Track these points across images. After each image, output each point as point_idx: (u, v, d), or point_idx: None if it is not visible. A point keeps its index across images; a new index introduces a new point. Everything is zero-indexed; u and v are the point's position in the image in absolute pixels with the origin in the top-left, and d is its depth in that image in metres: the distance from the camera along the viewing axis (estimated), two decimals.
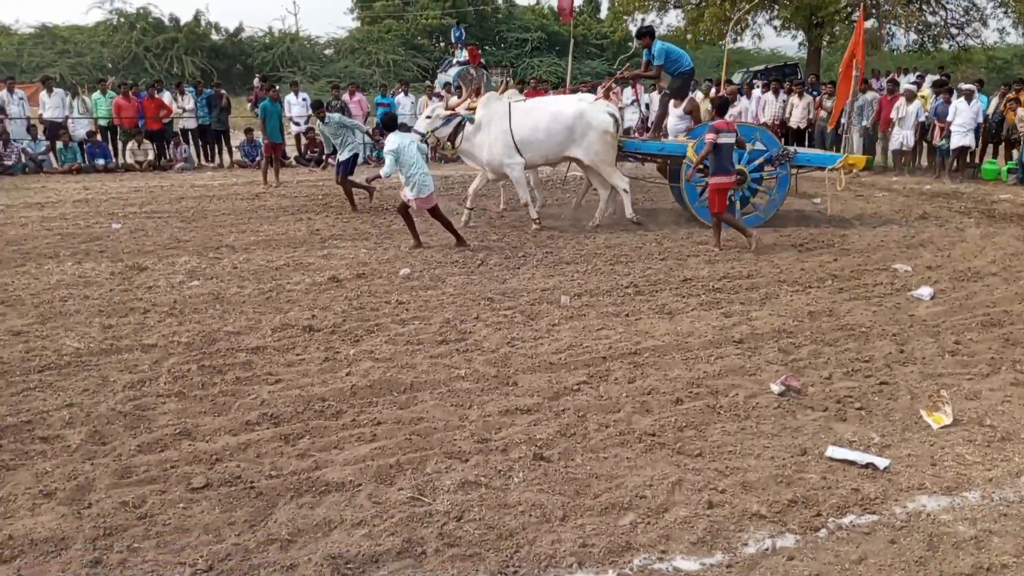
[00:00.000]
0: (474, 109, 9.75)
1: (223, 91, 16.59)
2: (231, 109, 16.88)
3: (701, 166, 8.43)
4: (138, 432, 4.11)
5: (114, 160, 15.80)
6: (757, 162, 9.57)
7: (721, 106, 8.52)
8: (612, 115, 9.56)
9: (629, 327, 5.90)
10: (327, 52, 40.70)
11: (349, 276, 7.38)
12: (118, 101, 15.77)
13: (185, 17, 37.57)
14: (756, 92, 17.61)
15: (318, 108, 11.67)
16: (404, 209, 8.58)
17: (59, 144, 15.35)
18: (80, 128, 15.92)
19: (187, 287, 6.96)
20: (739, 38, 28.86)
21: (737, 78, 26.12)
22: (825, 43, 28.07)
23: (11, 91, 15.90)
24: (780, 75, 24.62)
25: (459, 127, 9.56)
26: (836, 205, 11.09)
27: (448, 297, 6.71)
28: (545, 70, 35.83)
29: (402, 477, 3.70)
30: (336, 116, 11.59)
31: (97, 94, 16.38)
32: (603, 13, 44.85)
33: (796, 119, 16.61)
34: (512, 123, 9.31)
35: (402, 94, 18.84)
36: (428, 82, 26.70)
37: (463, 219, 9.81)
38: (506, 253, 8.39)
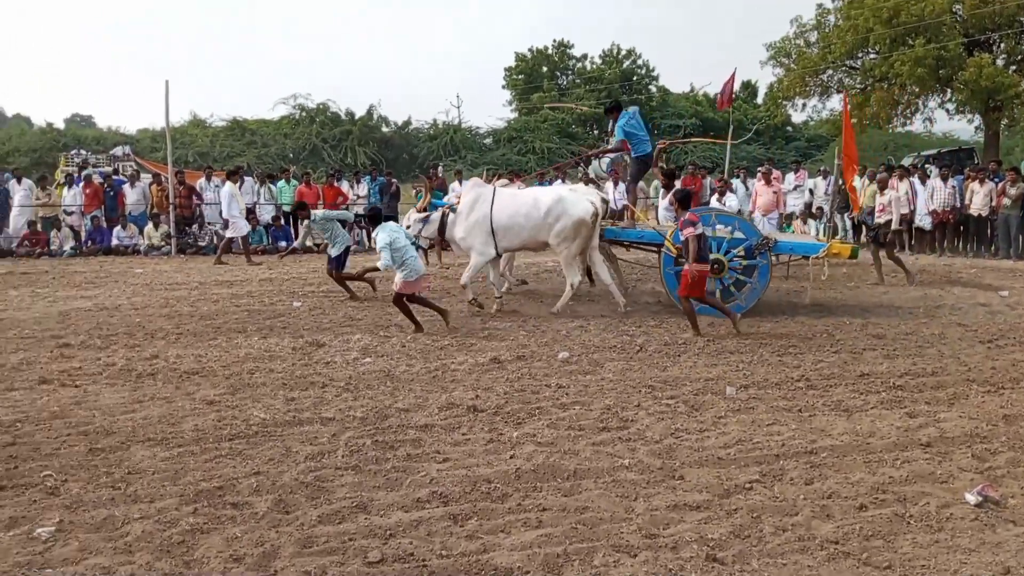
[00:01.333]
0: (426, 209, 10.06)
1: (394, 179, 17.71)
2: (400, 195, 17.95)
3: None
4: (319, 503, 4.31)
5: (295, 242, 17.04)
6: (737, 251, 9.40)
7: (683, 199, 8.71)
8: (593, 204, 9.50)
9: (803, 423, 5.63)
10: (486, 141, 42.63)
11: (510, 358, 7.52)
12: (300, 189, 17.16)
13: (359, 111, 40.67)
14: (931, 180, 16.71)
15: (302, 209, 11.59)
16: (400, 300, 8.69)
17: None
18: (266, 213, 17.39)
19: (360, 364, 7.33)
20: (909, 122, 27.72)
21: (907, 161, 24.95)
22: (1004, 127, 26.45)
23: (208, 179, 17.68)
24: (954, 160, 23.33)
25: (443, 219, 9.88)
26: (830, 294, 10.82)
27: (608, 383, 6.68)
28: (699, 155, 35.75)
29: (570, 568, 3.65)
30: (320, 212, 11.80)
31: (281, 182, 17.91)
32: (759, 98, 44.58)
33: (977, 206, 15.61)
34: (494, 210, 9.51)
35: (559, 180, 19.30)
36: (582, 168, 27.25)
37: (494, 309, 9.77)
38: (665, 339, 8.29)
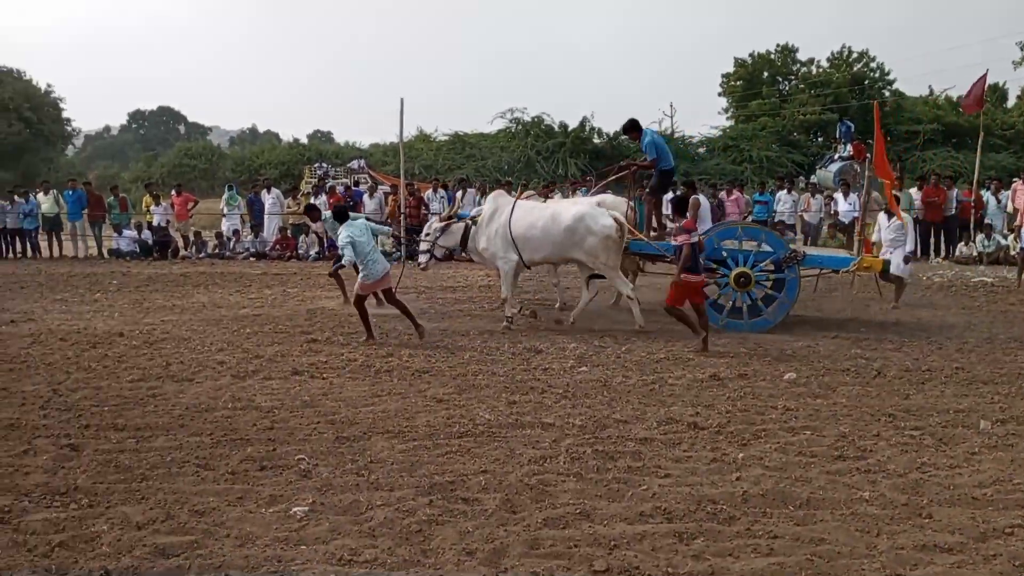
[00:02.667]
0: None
1: (610, 191, 17.79)
2: None
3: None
4: (543, 506, 4.40)
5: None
6: (763, 264, 9.15)
7: (679, 204, 8.42)
8: (616, 219, 9.35)
9: None
10: (700, 151, 41.68)
11: (730, 375, 7.28)
12: None
13: (572, 123, 41.29)
14: None
15: (311, 210, 11.36)
16: (360, 302, 8.75)
17: None
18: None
19: (577, 372, 7.42)
20: None
21: None
22: None
23: (435, 190, 18.70)
24: None
25: (466, 230, 9.87)
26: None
27: (841, 408, 6.26)
28: (940, 164, 32.70)
29: None
30: (328, 213, 11.27)
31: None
32: (1010, 102, 40.02)
33: None
34: (512, 219, 9.48)
35: (784, 191, 18.48)
36: (803, 178, 25.88)
37: (513, 314, 9.77)
38: (906, 365, 7.64)
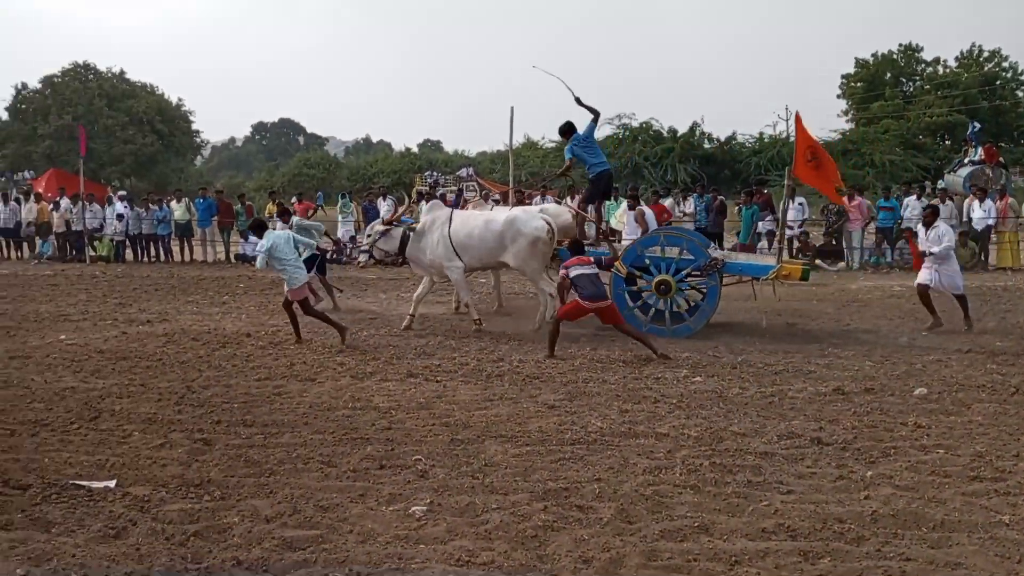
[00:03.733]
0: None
1: (720, 196, 17.40)
2: (726, 212, 17.61)
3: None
4: (660, 518, 4.32)
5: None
6: (684, 272, 9.24)
7: (574, 245, 8.73)
8: (547, 222, 9.58)
9: None
10: None
11: (856, 389, 6.96)
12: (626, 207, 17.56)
13: (682, 128, 40.62)
14: None
15: (284, 215, 11.80)
16: (288, 305, 9.07)
17: None
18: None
19: (691, 382, 7.27)
20: None
21: None
22: None
23: (543, 197, 18.77)
24: None
25: (404, 237, 10.06)
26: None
27: (977, 427, 5.89)
28: None
29: None
30: (296, 219, 11.97)
31: (610, 200, 18.46)
32: None
33: None
34: (451, 228, 9.78)
35: (914, 197, 17.52)
36: (929, 183, 24.56)
37: (404, 324, 9.96)
38: None
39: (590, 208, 10.58)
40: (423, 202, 12.29)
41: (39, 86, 45.40)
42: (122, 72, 47.09)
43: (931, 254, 9.42)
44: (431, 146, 69.12)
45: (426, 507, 4.48)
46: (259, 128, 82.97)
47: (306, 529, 4.22)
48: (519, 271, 10.10)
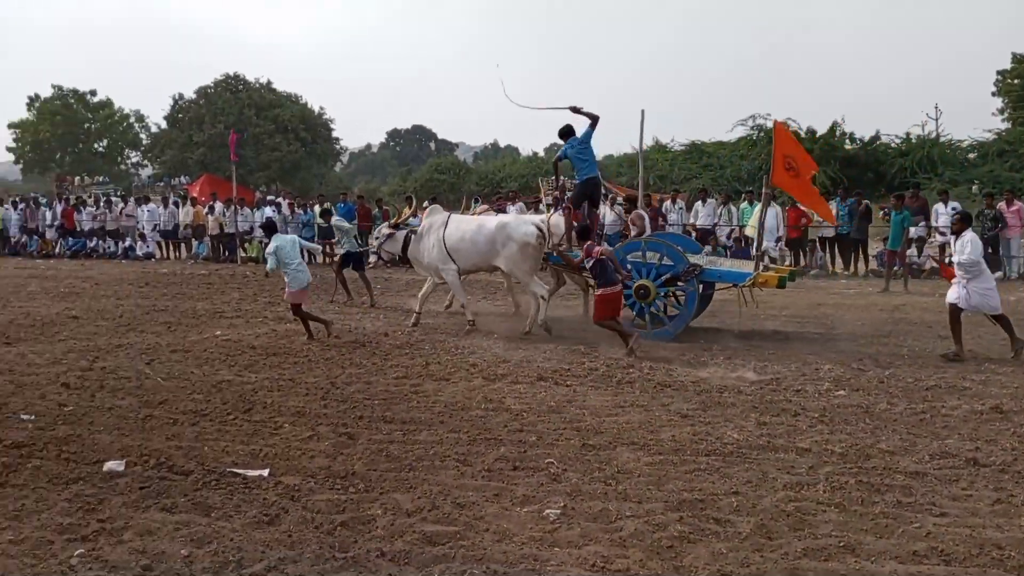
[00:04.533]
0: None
1: (865, 200, 16.60)
2: (871, 216, 16.77)
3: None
4: (802, 535, 4.18)
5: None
6: (664, 278, 9.48)
7: (582, 232, 9.17)
8: (537, 227, 9.90)
9: None
10: (970, 156, 37.54)
11: (1016, 408, 6.48)
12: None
13: (821, 129, 38.92)
14: None
15: (326, 214, 13.53)
16: (296, 310, 9.65)
17: (707, 248, 17.20)
18: (722, 234, 17.64)
19: (834, 396, 6.97)
20: None
21: None
22: None
23: (673, 202, 18.51)
24: None
25: (407, 240, 10.69)
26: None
27: None
28: None
29: None
30: (335, 219, 13.36)
31: (744, 204, 17.97)
32: None
33: None
34: (446, 232, 10.24)
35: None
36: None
37: (411, 321, 10.61)
38: None
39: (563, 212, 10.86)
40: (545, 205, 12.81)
41: (194, 96, 48.92)
42: (269, 83, 50.07)
43: (958, 264, 8.55)
44: (557, 150, 69.40)
45: (560, 510, 4.52)
46: (393, 135, 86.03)
47: (444, 525, 4.35)
48: (510, 274, 10.38)
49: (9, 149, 51.62)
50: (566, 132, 10.50)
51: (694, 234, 17.62)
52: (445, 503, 4.63)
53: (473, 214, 11.70)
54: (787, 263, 16.59)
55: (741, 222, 17.57)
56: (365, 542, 4.15)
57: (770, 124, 39.91)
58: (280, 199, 24.70)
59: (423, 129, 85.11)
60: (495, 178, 46.61)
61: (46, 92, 52.16)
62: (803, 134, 39.58)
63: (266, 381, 7.58)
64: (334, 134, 52.80)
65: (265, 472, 5.16)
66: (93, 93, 52.98)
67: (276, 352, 8.93)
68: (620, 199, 21.62)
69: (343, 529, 4.31)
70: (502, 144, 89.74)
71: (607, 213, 18.97)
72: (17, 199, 26.96)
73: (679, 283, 9.61)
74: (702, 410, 6.57)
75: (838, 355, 8.66)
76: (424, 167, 53.35)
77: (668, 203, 18.51)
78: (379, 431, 6.01)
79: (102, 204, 24.22)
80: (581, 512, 4.52)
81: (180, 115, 48.80)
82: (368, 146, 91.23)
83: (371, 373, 7.93)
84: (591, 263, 8.86)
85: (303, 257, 9.96)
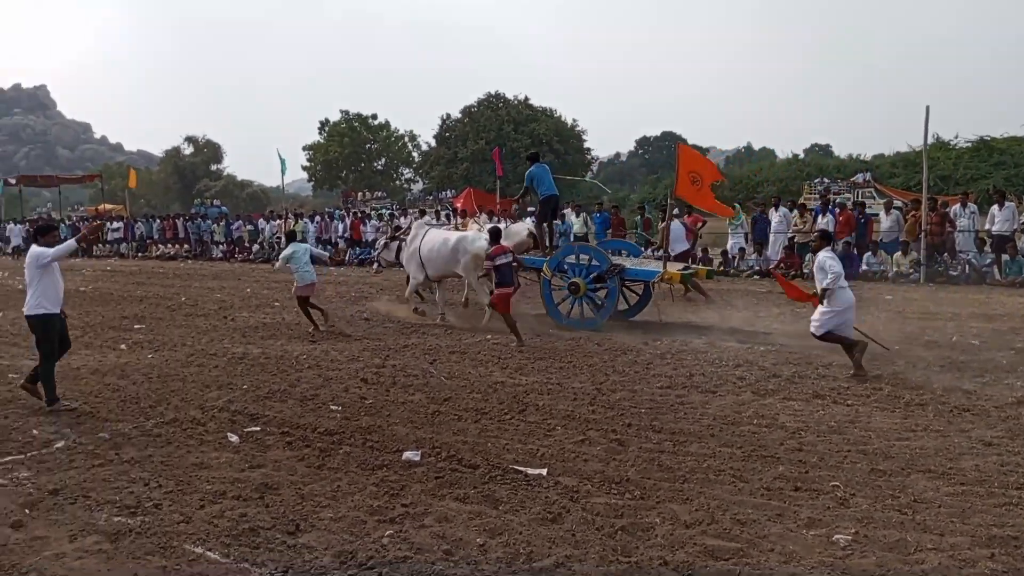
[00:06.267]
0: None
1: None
2: None
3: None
4: None
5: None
6: (592, 276, 11.14)
7: (494, 235, 10.72)
8: (486, 241, 10.99)
9: None
10: None
11: None
12: None
13: None
14: None
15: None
16: (302, 304, 11.51)
17: (1004, 257, 15.31)
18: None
19: None
20: None
21: None
22: None
23: (964, 205, 16.68)
24: None
25: (398, 249, 13.11)
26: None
27: None
28: None
29: None
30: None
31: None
32: None
33: None
34: (422, 244, 12.15)
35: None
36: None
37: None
38: None
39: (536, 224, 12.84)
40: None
41: (459, 115, 52.37)
42: (526, 99, 52.26)
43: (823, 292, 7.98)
44: (820, 151, 65.31)
45: (851, 537, 4.27)
46: (642, 143, 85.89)
47: (725, 540, 4.30)
48: (467, 279, 12.26)
49: (303, 168, 58.72)
50: (534, 157, 12.81)
51: (989, 241, 15.80)
52: (724, 518, 4.57)
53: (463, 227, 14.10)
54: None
55: None
56: (646, 549, 4.21)
57: None
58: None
59: (673, 135, 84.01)
60: (751, 182, 44.86)
61: (335, 117, 58.73)
62: None
63: (536, 384, 7.94)
64: (586, 145, 53.87)
65: (544, 471, 5.41)
66: (374, 117, 58.67)
67: (543, 356, 9.32)
68: (898, 202, 19.92)
69: (623, 534, 4.41)
70: (756, 147, 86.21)
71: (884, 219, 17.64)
72: (314, 213, 30.57)
73: (604, 281, 11.14)
74: (1009, 438, 5.88)
75: None
76: (674, 174, 52.72)
77: (957, 207, 16.72)
78: (649, 440, 6.06)
79: (385, 218, 26.71)
80: (875, 540, 4.25)
81: (447, 134, 52.50)
82: (617, 155, 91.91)
83: (634, 381, 8.00)
84: (492, 265, 10.40)
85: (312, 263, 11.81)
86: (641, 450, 5.82)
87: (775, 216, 18.77)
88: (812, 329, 8.14)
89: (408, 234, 12.96)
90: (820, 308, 8.03)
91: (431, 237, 12.30)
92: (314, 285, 11.71)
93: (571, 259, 11.38)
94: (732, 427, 6.35)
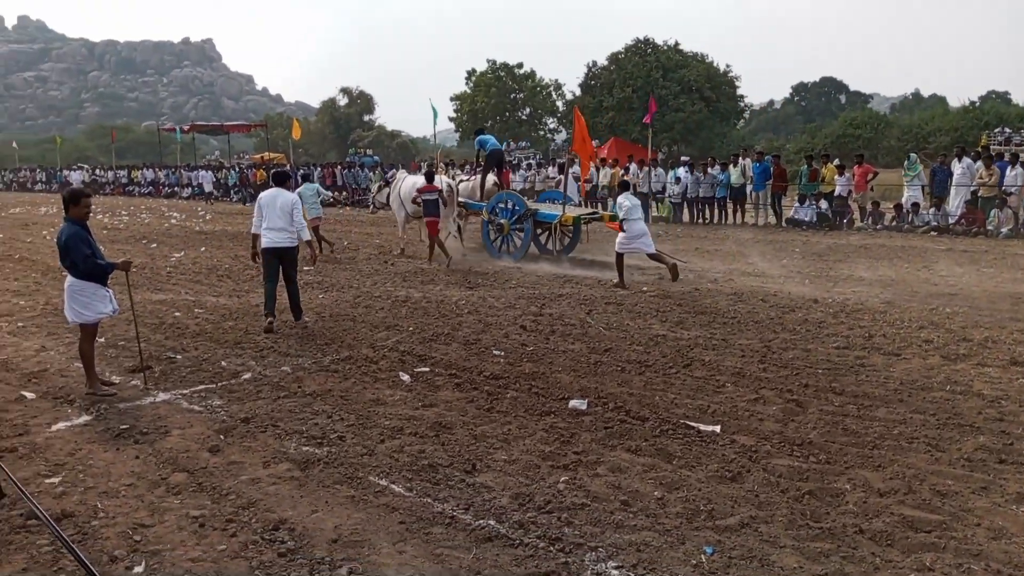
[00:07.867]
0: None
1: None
2: None
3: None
4: None
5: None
6: (513, 219, 13.44)
7: (428, 176, 13.45)
8: (449, 184, 14.27)
9: None
10: None
11: None
12: None
13: None
14: None
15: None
16: (315, 231, 13.59)
17: None
18: None
19: None
20: None
21: None
22: None
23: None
24: None
25: (388, 193, 15.98)
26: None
27: None
28: None
29: None
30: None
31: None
32: None
33: None
34: (400, 188, 14.74)
35: None
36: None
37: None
38: None
39: (489, 176, 15.08)
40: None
41: (606, 63, 51.21)
42: (676, 44, 50.38)
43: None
44: (997, 98, 59.50)
45: None
46: (799, 89, 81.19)
47: (926, 512, 4.01)
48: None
49: (450, 119, 59.53)
50: (480, 131, 16.51)
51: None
52: (922, 488, 4.27)
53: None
54: None
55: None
56: (838, 516, 4.00)
57: None
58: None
59: (833, 81, 78.82)
60: (921, 132, 41.58)
61: (481, 67, 58.99)
62: None
63: (699, 339, 7.72)
64: (739, 92, 51.46)
65: (717, 428, 5.25)
66: (520, 66, 58.47)
67: (703, 311, 9.05)
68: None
69: (811, 498, 4.20)
70: (925, 93, 79.71)
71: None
72: (465, 162, 31.02)
73: (522, 222, 13.39)
74: None
75: None
76: (836, 122, 49.58)
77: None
78: (829, 402, 5.75)
79: (534, 167, 26.72)
80: None
81: (592, 82, 51.51)
82: (771, 102, 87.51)
83: (807, 340, 7.61)
84: (420, 199, 13.05)
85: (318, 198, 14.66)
86: (822, 412, 5.53)
87: (958, 168, 17.22)
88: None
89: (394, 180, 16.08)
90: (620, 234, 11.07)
91: (406, 183, 14.79)
92: (320, 219, 14.66)
93: (502, 205, 13.71)
94: (922, 393, 5.92)
